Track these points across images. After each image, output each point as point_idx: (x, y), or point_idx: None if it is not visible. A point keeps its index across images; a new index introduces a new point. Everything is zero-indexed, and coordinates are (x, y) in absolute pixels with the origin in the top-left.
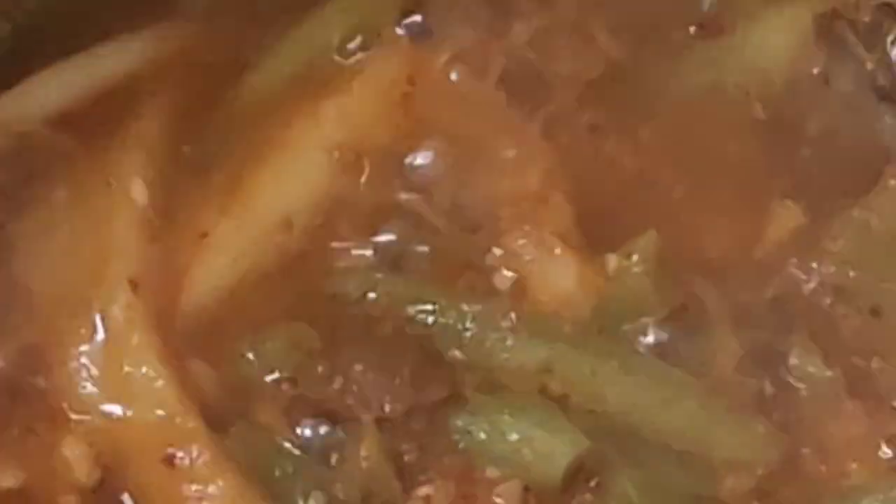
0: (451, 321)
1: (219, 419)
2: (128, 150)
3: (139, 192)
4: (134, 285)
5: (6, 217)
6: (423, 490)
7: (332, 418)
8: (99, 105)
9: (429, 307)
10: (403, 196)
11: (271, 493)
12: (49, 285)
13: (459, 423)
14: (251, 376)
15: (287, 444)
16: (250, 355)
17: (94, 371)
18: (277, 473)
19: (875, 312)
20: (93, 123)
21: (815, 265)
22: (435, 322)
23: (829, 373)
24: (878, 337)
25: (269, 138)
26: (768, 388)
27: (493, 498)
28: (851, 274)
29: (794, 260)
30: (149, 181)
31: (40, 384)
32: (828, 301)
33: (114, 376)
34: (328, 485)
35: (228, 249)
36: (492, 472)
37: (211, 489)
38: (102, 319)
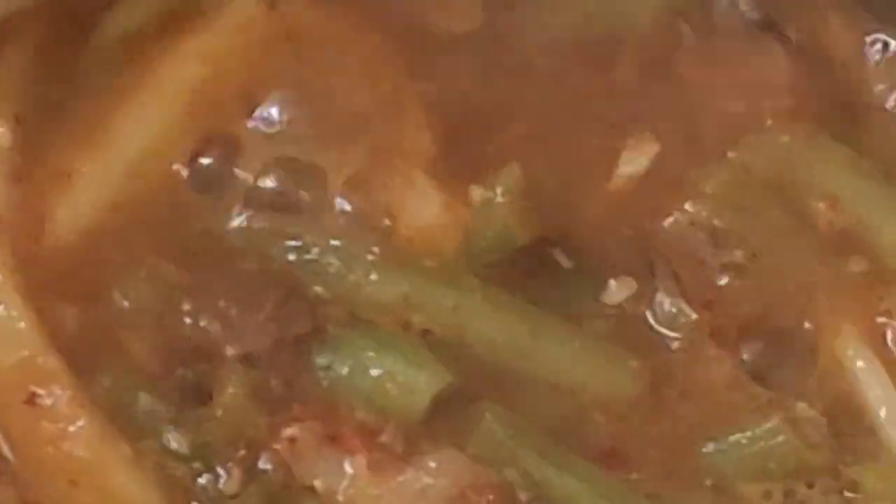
0: (314, 256)
1: (83, 359)
2: None
3: (2, 133)
4: None
5: None
6: (289, 431)
7: (196, 356)
8: None
9: (292, 242)
10: (264, 133)
11: (135, 433)
12: None
13: (322, 359)
14: (116, 315)
15: (152, 384)
16: (115, 293)
17: None
18: (142, 413)
19: (749, 256)
20: None
21: (689, 207)
22: (298, 257)
23: (696, 315)
24: (750, 281)
25: (131, 77)
26: (635, 328)
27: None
28: (726, 217)
29: (668, 200)
30: (12, 122)
31: None
32: (700, 243)
33: None
34: (193, 425)
35: (93, 189)
36: (356, 409)
37: (72, 429)
38: None
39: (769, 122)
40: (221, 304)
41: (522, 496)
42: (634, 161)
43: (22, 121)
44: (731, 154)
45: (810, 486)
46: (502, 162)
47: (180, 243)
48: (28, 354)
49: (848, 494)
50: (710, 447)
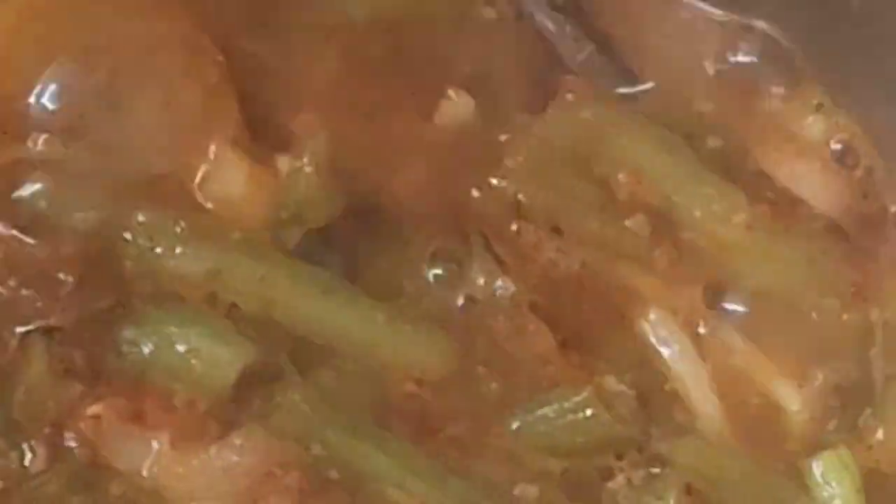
0: (120, 230)
1: None
2: None
3: None
4: None
5: None
6: (93, 408)
7: None
8: None
9: (94, 214)
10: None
11: None
12: None
13: (128, 334)
14: None
15: None
16: None
17: None
18: None
19: (556, 230)
20: None
21: (494, 182)
22: (102, 229)
23: (514, 288)
24: (558, 254)
25: None
26: (452, 301)
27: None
28: (530, 191)
29: (476, 174)
30: None
31: None
32: (508, 218)
33: None
34: None
35: None
36: (162, 385)
37: None
38: None
39: (569, 95)
40: (22, 276)
41: (331, 474)
42: (454, 108)
43: None
44: (535, 129)
45: (619, 458)
46: (310, 131)
47: None
48: None
49: (654, 470)
50: (517, 421)
